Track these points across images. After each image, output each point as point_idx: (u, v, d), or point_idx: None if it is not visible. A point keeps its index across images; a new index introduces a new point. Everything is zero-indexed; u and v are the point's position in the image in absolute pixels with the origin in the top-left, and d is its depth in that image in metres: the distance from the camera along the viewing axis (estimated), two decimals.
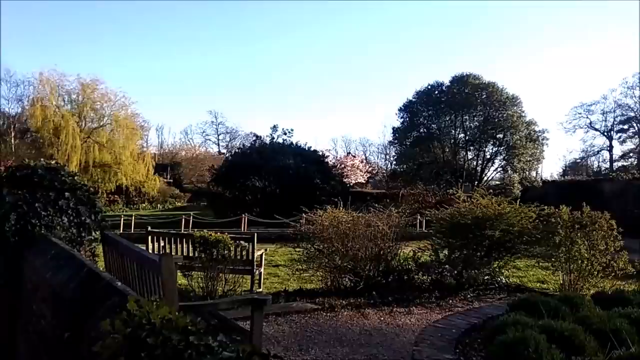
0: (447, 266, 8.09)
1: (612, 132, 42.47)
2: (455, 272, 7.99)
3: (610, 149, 43.08)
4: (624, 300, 5.77)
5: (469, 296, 7.31)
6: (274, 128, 29.86)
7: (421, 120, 32.13)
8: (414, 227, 16.60)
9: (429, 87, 31.67)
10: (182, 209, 32.12)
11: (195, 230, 8.55)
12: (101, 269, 5.13)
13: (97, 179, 29.51)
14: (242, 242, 7.34)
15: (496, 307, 6.56)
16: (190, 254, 7.25)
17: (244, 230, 17.58)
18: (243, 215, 19.00)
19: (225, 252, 6.87)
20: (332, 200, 10.30)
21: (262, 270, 8.31)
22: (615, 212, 8.38)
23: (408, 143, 32.18)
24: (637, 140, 41.20)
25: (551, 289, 8.27)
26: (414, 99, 32.19)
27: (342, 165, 35.39)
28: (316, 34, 75.12)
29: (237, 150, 31.28)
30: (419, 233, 13.71)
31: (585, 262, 7.57)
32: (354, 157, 41.31)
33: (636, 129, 41.54)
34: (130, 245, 4.51)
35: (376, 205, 9.13)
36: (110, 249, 5.22)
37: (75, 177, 5.90)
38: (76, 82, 29.90)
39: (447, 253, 8.35)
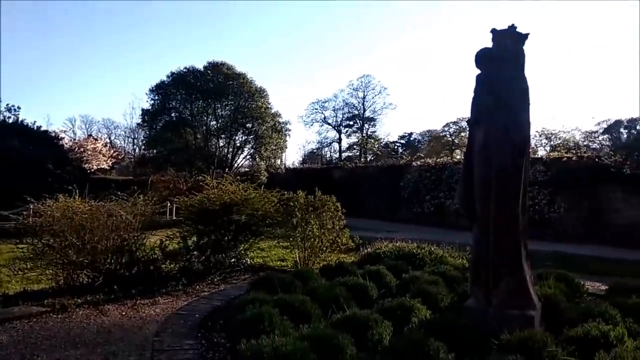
0: (195, 252, 8.14)
1: (341, 127, 49.80)
2: (203, 257, 8.12)
3: (339, 141, 50.51)
4: (344, 271, 6.85)
5: (215, 280, 7.53)
6: None
7: (174, 104, 31.25)
8: (164, 215, 16.21)
9: (184, 70, 30.96)
10: None
11: None
12: None
13: None
14: None
15: (240, 287, 6.92)
16: None
17: None
18: None
19: None
20: (68, 188, 9.20)
21: None
22: (341, 196, 9.87)
23: (159, 127, 30.92)
24: (359, 134, 49.41)
25: (289, 265, 9.17)
26: (167, 81, 31.03)
27: (82, 149, 31.57)
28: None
29: None
30: (168, 221, 13.47)
31: (317, 240, 8.70)
32: (96, 140, 37.26)
33: (359, 124, 49.67)
34: None
35: (121, 193, 8.53)
36: None
37: None
38: None
39: (196, 239, 8.40)
